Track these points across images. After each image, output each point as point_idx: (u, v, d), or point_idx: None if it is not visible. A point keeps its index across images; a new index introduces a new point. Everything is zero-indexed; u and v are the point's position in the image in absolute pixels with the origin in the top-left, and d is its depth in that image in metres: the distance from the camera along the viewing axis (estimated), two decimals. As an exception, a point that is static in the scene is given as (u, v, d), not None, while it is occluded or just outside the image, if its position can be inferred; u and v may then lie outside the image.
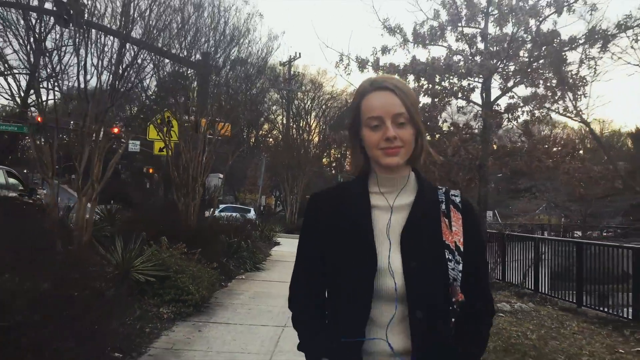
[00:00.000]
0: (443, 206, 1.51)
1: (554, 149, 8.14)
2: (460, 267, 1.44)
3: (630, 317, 7.77)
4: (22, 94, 9.40)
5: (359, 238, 1.44)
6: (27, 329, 4.00)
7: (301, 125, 48.95)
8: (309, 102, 51.39)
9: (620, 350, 6.19)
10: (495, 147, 8.28)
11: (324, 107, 50.41)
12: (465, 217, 1.51)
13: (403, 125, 1.44)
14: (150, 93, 11.83)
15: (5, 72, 8.24)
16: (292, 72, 43.84)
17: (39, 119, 8.59)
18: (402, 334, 1.41)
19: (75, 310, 4.44)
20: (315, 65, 75.13)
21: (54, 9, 8.25)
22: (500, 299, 8.94)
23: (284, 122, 47.74)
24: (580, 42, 7.81)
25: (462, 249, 1.46)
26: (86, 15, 7.62)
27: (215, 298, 7.43)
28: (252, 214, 28.52)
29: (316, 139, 47.27)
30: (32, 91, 8.25)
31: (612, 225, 33.08)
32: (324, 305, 1.55)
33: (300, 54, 43.21)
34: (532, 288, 10.27)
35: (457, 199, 1.54)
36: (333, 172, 49.26)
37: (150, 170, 35.85)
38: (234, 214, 20.97)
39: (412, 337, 1.39)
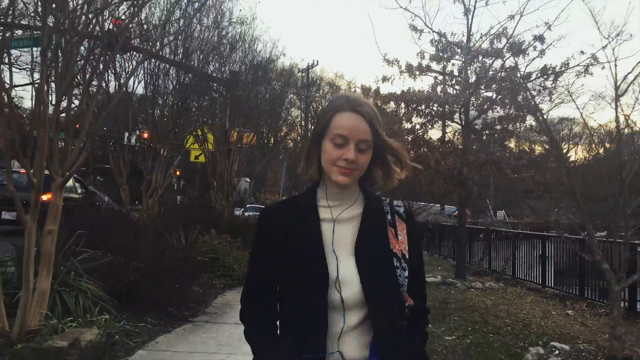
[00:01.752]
0: (389, 216, 1.56)
1: (513, 160, 10.28)
2: (406, 273, 1.49)
3: (577, 293, 9.84)
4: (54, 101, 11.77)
5: (309, 251, 1.46)
6: (139, 284, 6.32)
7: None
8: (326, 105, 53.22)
9: (553, 312, 8.32)
10: (471, 158, 10.44)
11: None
12: (409, 225, 1.58)
13: (363, 152, 1.48)
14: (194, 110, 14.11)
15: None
16: (310, 79, 46.24)
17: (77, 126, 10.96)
18: (353, 344, 1.44)
19: (166, 275, 6.76)
20: (332, 70, 77.35)
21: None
22: (476, 280, 11.14)
23: (303, 124, 50.08)
24: (536, 76, 9.98)
25: (407, 257, 1.51)
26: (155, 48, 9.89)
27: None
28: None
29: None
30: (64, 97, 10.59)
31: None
32: (276, 318, 1.55)
33: (317, 61, 45.43)
34: (511, 274, 12.38)
35: (401, 209, 1.60)
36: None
37: (178, 173, 38.36)
38: (252, 214, 23.23)
39: (376, 344, 1.43)
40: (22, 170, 14.87)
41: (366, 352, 1.45)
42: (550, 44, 9.79)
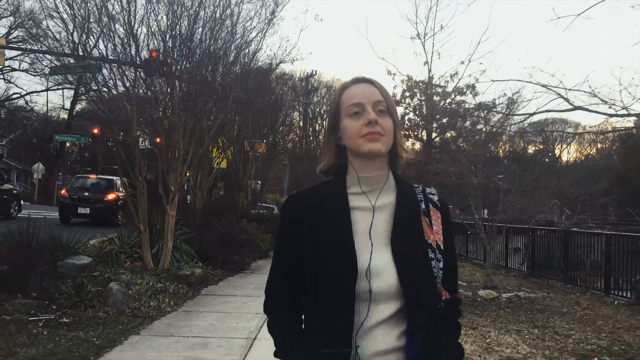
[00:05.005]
0: (423, 205, 1.48)
1: (453, 169, 14.32)
2: (441, 264, 1.42)
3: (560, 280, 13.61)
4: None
5: (339, 241, 1.38)
6: (212, 250, 10.30)
7: (316, 128, 54.88)
8: (324, 107, 56.67)
9: (526, 288, 12.12)
10: (430, 169, 14.45)
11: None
12: (443, 215, 1.50)
13: (383, 114, 1.42)
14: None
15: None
16: (310, 87, 50.19)
17: (96, 130, 14.69)
18: (385, 335, 1.36)
19: (226, 246, 10.73)
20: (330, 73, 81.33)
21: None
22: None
23: (301, 125, 53.90)
24: (473, 109, 14.02)
25: (442, 247, 1.44)
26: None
27: (272, 251, 13.80)
28: (276, 211, 34.81)
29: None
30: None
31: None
32: (301, 310, 1.48)
33: (316, 71, 49.17)
34: (505, 264, 14.71)
35: (435, 197, 1.52)
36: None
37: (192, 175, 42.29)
38: (262, 211, 27.31)
39: (414, 336, 1.35)
40: (92, 176, 19.41)
41: (400, 342, 1.36)
42: (480, 93, 13.80)
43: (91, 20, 8.61)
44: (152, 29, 8.85)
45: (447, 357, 1.41)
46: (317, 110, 55.56)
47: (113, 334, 5.28)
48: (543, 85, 7.85)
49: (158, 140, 9.73)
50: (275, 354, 1.48)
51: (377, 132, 1.40)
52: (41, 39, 36.85)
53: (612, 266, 9.71)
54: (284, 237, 1.50)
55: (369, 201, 1.44)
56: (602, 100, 6.98)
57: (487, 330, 6.26)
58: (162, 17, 8.50)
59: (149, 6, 8.28)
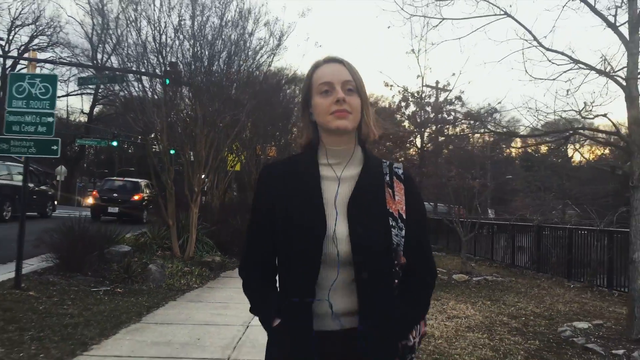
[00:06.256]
0: (387, 177, 1.57)
1: (446, 172, 15.91)
2: (403, 232, 1.50)
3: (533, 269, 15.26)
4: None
5: (309, 206, 1.49)
6: (228, 242, 11.98)
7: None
8: None
9: (497, 275, 13.79)
10: (425, 170, 16.04)
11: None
12: (407, 186, 1.59)
13: (351, 92, 1.51)
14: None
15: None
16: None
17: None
18: (345, 297, 1.47)
19: (242, 238, 12.39)
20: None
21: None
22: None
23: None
24: (462, 118, 15.59)
25: (404, 217, 1.52)
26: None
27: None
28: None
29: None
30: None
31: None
32: (274, 271, 1.58)
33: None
34: (491, 257, 17.09)
35: (400, 171, 1.61)
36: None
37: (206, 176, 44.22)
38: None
39: (359, 297, 1.45)
40: (120, 179, 21.39)
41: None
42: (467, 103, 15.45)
43: (126, 48, 10.39)
44: (178, 56, 10.62)
45: (393, 324, 1.49)
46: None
47: (156, 299, 6.99)
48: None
49: (186, 150, 11.45)
50: (250, 310, 1.61)
51: (344, 109, 1.50)
52: (63, 47, 38.86)
53: (573, 256, 11.25)
54: (258, 203, 1.61)
55: (334, 173, 1.55)
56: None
57: (447, 301, 7.86)
58: (189, 49, 10.20)
59: (176, 41, 9.99)
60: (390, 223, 1.50)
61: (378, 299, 1.46)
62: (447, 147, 16.32)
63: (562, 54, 6.37)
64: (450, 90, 15.78)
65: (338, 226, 1.47)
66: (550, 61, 6.37)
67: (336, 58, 1.58)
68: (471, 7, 11.37)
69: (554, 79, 6.41)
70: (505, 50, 46.62)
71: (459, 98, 15.12)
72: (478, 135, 16.41)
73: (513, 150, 35.54)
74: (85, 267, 8.10)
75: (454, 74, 16.40)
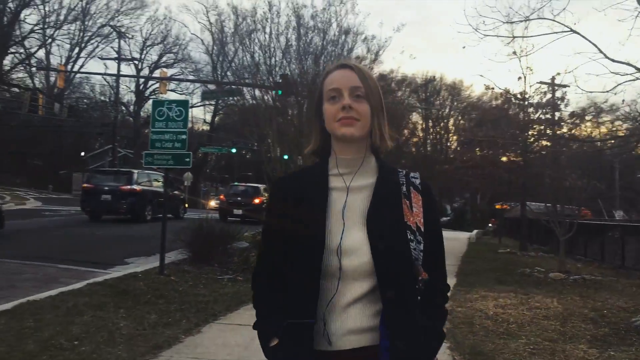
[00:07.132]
0: (404, 188, 1.52)
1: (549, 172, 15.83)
2: (422, 246, 1.46)
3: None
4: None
5: (311, 218, 1.45)
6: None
7: (439, 130, 55.41)
8: (447, 109, 56.59)
9: (597, 274, 13.78)
10: (532, 171, 16.13)
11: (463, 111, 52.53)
12: (425, 198, 1.53)
13: (360, 99, 1.48)
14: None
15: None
16: (429, 91, 52.08)
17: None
18: (359, 313, 1.42)
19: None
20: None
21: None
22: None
23: (424, 126, 54.99)
24: (567, 119, 15.50)
25: (422, 230, 1.47)
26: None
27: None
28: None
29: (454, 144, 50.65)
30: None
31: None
32: (284, 287, 1.51)
33: (434, 77, 51.04)
34: (601, 259, 16.85)
35: (417, 181, 1.55)
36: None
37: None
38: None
39: (385, 315, 1.39)
40: (243, 184, 23.95)
41: (375, 321, 1.41)
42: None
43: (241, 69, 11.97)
44: (285, 70, 12.07)
45: (421, 339, 1.44)
46: (440, 113, 56.03)
47: (270, 286, 8.25)
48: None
49: (295, 157, 12.79)
50: (254, 326, 1.58)
51: (351, 116, 1.46)
52: (188, 63, 42.80)
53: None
54: (268, 217, 1.59)
55: (344, 183, 1.50)
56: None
57: (534, 295, 8.31)
58: (294, 67, 11.56)
59: (284, 61, 11.37)
60: (409, 236, 1.45)
61: (403, 314, 1.41)
62: (567, 148, 16.19)
63: None
64: (568, 86, 15.70)
65: (347, 239, 1.43)
66: None
67: (347, 64, 1.55)
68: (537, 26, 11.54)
69: None
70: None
71: (562, 99, 15.08)
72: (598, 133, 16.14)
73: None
74: (213, 260, 9.61)
75: (558, 74, 16.05)
